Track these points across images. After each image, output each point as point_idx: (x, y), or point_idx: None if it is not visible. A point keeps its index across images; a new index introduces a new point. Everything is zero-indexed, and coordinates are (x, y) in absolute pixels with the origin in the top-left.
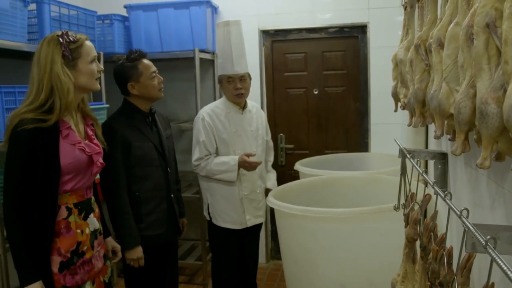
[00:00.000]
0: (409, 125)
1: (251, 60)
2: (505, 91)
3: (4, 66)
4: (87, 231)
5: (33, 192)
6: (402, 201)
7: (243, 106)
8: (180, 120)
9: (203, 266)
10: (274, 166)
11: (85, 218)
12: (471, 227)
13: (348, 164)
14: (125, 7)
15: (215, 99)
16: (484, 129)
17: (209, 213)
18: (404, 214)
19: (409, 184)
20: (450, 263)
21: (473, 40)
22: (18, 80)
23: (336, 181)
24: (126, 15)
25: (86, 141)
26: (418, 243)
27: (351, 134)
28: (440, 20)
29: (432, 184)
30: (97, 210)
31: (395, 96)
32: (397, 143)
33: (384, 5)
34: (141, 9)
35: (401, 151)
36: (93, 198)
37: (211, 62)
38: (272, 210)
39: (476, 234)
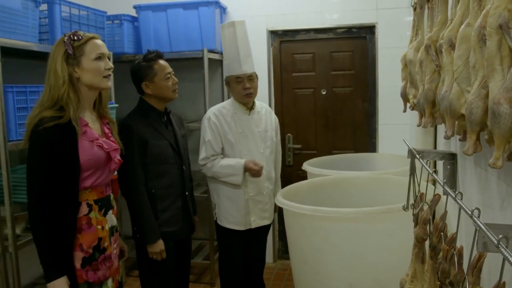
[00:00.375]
0: (418, 126)
1: (259, 61)
2: None
3: (16, 66)
4: (106, 227)
5: (55, 189)
6: (411, 201)
7: (251, 107)
8: (189, 120)
9: (210, 265)
10: (282, 166)
11: (105, 214)
12: (482, 227)
13: (356, 165)
14: (135, 7)
15: (223, 99)
16: (497, 129)
17: (215, 214)
18: (413, 214)
19: (419, 185)
20: (460, 263)
21: (485, 41)
22: (29, 80)
23: (344, 181)
24: (136, 15)
25: (104, 138)
26: (427, 243)
27: (359, 135)
28: (451, 21)
29: (442, 184)
30: (115, 207)
31: (404, 97)
32: (406, 143)
33: (392, 5)
34: (150, 10)
35: (410, 151)
36: (111, 195)
37: (220, 62)
38: (280, 210)
39: (488, 234)
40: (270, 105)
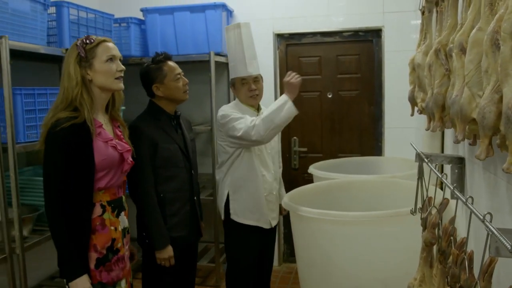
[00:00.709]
0: (427, 130)
1: (265, 64)
2: None
3: (24, 68)
4: (119, 228)
5: (71, 189)
6: (419, 205)
7: (258, 108)
8: (195, 123)
9: (216, 268)
10: (288, 169)
11: (118, 215)
12: (495, 232)
13: (362, 168)
14: (142, 10)
15: (229, 101)
16: (511, 134)
17: (228, 209)
18: (421, 218)
19: (427, 189)
20: (471, 267)
21: (499, 45)
22: (37, 82)
23: (350, 184)
24: (143, 18)
25: (117, 140)
26: (434, 247)
27: (365, 138)
28: (461, 25)
29: (452, 188)
30: (127, 209)
31: (412, 100)
32: (413, 147)
33: (399, 9)
34: (157, 13)
35: (418, 155)
36: (123, 197)
37: (226, 65)
38: (286, 213)
39: (501, 239)
40: None
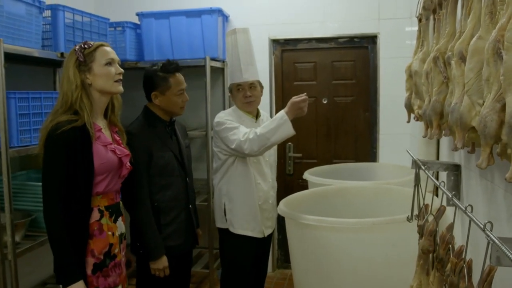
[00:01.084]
0: (424, 137)
1: (260, 69)
2: None
3: (19, 72)
4: (116, 233)
5: (70, 193)
6: (415, 212)
7: (256, 115)
8: (190, 128)
9: (210, 274)
10: (283, 174)
11: (115, 221)
12: (497, 241)
13: (357, 174)
14: (137, 14)
15: (224, 107)
16: None
17: (226, 220)
18: (418, 225)
19: (423, 196)
20: (470, 276)
21: (501, 54)
22: (31, 86)
23: (346, 191)
24: (138, 22)
25: (115, 145)
26: (431, 254)
27: (360, 144)
28: (460, 33)
29: (451, 196)
30: (124, 214)
31: (408, 107)
32: (410, 154)
33: (394, 16)
34: (153, 17)
35: (414, 162)
36: (120, 202)
37: (221, 70)
38: (279, 219)
39: (503, 248)
40: (271, 114)
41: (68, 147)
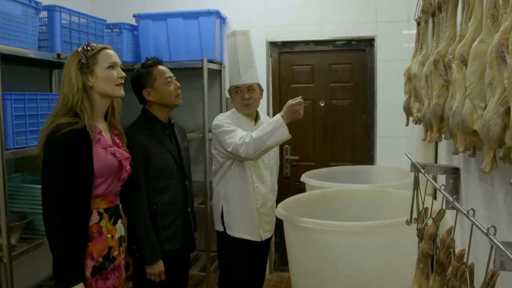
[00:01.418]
0: (423, 140)
1: (258, 72)
2: None
3: (15, 73)
4: (116, 236)
5: (70, 195)
6: (414, 215)
7: (256, 118)
8: (187, 130)
9: (206, 277)
10: (280, 177)
11: (114, 223)
12: (501, 246)
13: (354, 177)
14: (134, 16)
15: (221, 110)
16: None
17: (223, 223)
18: (417, 229)
19: (423, 199)
20: (471, 280)
21: (504, 58)
22: (27, 87)
23: (344, 193)
24: (135, 24)
25: (115, 147)
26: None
27: (357, 147)
28: (460, 36)
29: (452, 200)
30: (123, 217)
31: (407, 110)
32: (408, 157)
33: (391, 19)
34: (150, 19)
35: (414, 165)
36: (120, 204)
37: (219, 72)
38: (277, 222)
39: (508, 253)
40: (268, 116)
41: (68, 149)
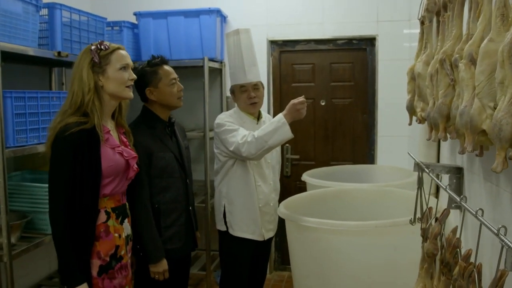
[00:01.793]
0: (428, 139)
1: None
2: None
3: (15, 71)
4: (123, 235)
5: (77, 195)
6: (418, 215)
7: (258, 116)
8: (187, 129)
9: (207, 276)
10: (280, 177)
11: (122, 222)
12: None
13: (355, 176)
14: (135, 14)
15: (222, 108)
16: None
17: (225, 223)
18: (421, 229)
19: (427, 199)
20: (479, 280)
21: None
22: (28, 86)
23: (346, 193)
24: (136, 22)
25: (123, 147)
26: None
27: (358, 146)
28: (467, 35)
29: (459, 200)
30: (130, 216)
31: (410, 110)
32: (412, 157)
33: (393, 18)
34: (151, 17)
35: (417, 165)
36: (127, 203)
37: (219, 71)
38: (279, 221)
39: None
40: (269, 115)
41: (76, 149)
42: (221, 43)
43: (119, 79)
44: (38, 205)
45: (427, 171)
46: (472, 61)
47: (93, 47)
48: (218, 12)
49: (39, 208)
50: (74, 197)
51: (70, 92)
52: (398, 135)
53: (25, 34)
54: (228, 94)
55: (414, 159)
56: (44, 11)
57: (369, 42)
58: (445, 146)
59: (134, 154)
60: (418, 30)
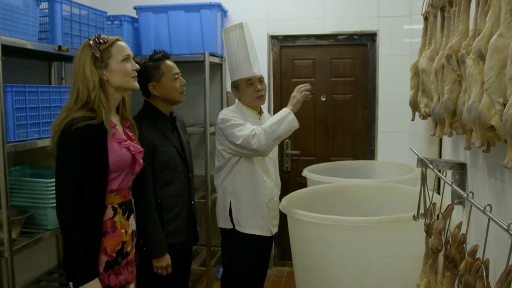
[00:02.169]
0: (433, 135)
1: None
2: None
3: (14, 66)
4: (129, 231)
5: (84, 191)
6: (421, 210)
7: (260, 111)
8: (187, 124)
9: (207, 272)
10: (280, 172)
11: (128, 218)
12: None
13: (355, 172)
14: (135, 8)
15: (222, 103)
16: None
17: (232, 220)
18: (425, 224)
19: (432, 195)
20: (487, 276)
21: None
22: (27, 80)
23: (347, 188)
24: (136, 16)
25: (129, 141)
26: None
27: (358, 142)
28: (474, 31)
29: (466, 196)
30: (135, 211)
31: (413, 105)
32: (415, 153)
33: (394, 13)
34: (151, 11)
35: (421, 160)
36: (132, 199)
37: (219, 66)
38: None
39: None
40: (269, 111)
41: (83, 144)
42: (221, 38)
43: (123, 70)
44: (38, 200)
45: (431, 167)
46: (481, 57)
47: (91, 42)
48: (219, 6)
49: (39, 204)
50: (82, 192)
51: (74, 89)
52: (398, 131)
53: (26, 28)
54: (229, 89)
55: (417, 155)
56: (44, 5)
57: (370, 37)
58: (447, 142)
59: (140, 148)
60: (419, 26)
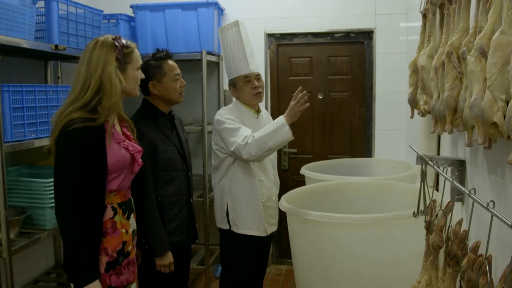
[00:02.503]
0: (432, 132)
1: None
2: None
3: (11, 65)
4: (130, 230)
5: (83, 192)
6: (421, 207)
7: (257, 110)
8: (185, 123)
9: (205, 271)
10: (278, 170)
11: (128, 218)
12: None
13: (353, 170)
14: (131, 7)
15: (219, 102)
16: None
17: (228, 221)
18: (425, 221)
19: (432, 192)
20: (490, 272)
21: None
22: (23, 79)
23: (346, 186)
24: (132, 15)
25: (127, 141)
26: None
27: (355, 140)
28: (475, 28)
29: (468, 192)
30: (135, 211)
31: (412, 103)
32: (414, 150)
33: (390, 11)
34: (148, 9)
35: (420, 158)
36: (132, 198)
37: (216, 64)
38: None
39: None
40: (266, 109)
41: (82, 144)
42: (218, 36)
43: (136, 78)
44: (36, 201)
45: (431, 164)
46: (483, 54)
47: (116, 43)
48: (215, 4)
49: (37, 204)
50: (81, 193)
51: (85, 84)
52: (395, 129)
53: (22, 27)
54: (226, 87)
55: (416, 152)
56: (41, 4)
57: (367, 35)
58: (445, 139)
59: (139, 148)
60: (415, 24)
